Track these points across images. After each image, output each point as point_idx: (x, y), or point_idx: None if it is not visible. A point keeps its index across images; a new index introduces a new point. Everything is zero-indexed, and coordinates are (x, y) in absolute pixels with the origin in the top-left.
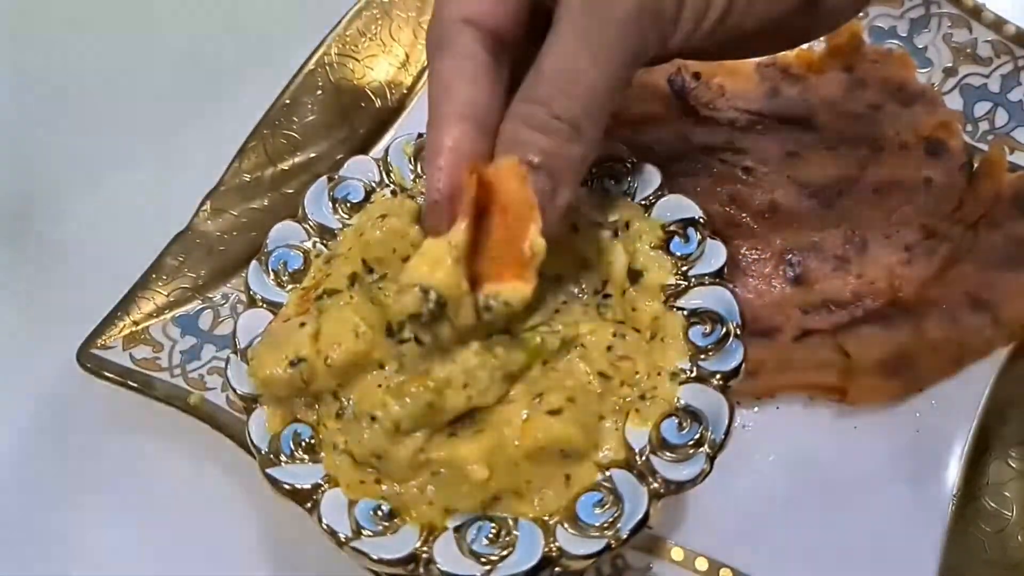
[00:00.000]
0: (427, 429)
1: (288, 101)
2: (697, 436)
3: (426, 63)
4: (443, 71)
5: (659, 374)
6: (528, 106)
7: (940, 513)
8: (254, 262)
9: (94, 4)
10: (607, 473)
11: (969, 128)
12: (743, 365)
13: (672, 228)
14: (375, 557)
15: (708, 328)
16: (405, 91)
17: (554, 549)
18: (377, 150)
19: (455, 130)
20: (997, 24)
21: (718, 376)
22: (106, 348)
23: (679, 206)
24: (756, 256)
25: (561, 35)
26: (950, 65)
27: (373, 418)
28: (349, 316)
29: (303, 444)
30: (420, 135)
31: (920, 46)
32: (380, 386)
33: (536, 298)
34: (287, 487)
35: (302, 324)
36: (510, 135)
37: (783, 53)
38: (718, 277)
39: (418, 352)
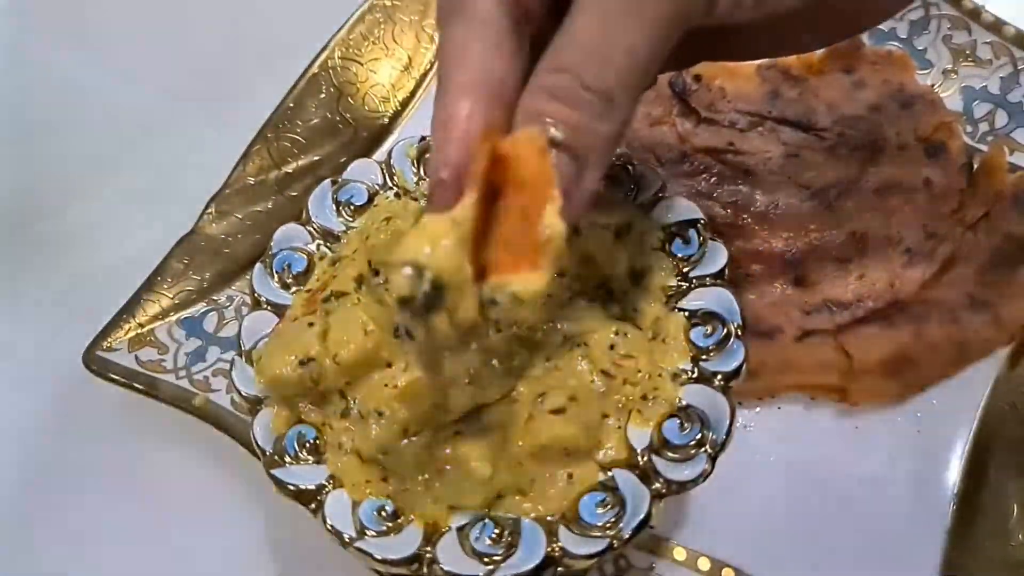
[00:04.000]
0: (433, 427)
1: (292, 104)
2: (699, 436)
3: (426, 72)
4: (457, 37)
5: (660, 375)
6: (553, 75)
7: (941, 513)
8: (258, 264)
9: (99, 6)
10: (609, 473)
11: (969, 129)
12: (744, 365)
13: (673, 230)
14: (379, 557)
15: (709, 329)
16: (408, 94)
17: (556, 549)
18: (380, 153)
19: (469, 100)
20: (996, 26)
21: (719, 377)
22: (112, 350)
23: (680, 208)
24: (757, 257)
25: None
26: (950, 67)
27: (380, 414)
28: (358, 315)
29: (307, 445)
30: (423, 138)
31: (920, 48)
32: (387, 385)
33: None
34: (292, 488)
35: (310, 324)
36: (531, 108)
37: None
38: (719, 278)
39: (410, 348)
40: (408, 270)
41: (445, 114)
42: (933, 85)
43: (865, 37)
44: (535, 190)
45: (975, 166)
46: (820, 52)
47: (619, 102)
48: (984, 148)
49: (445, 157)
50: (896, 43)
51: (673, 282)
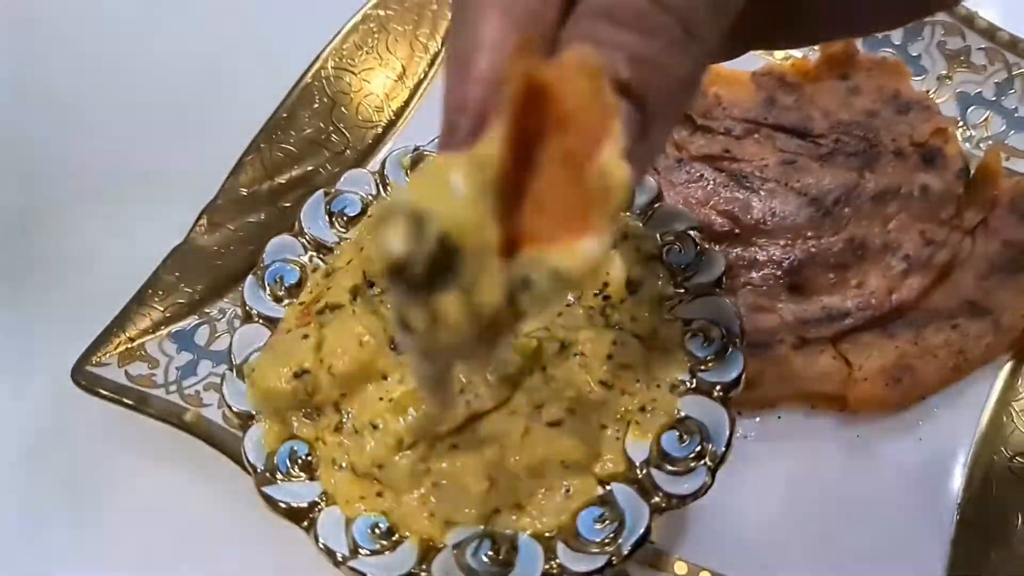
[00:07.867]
0: (429, 440)
1: (285, 115)
2: (698, 448)
3: (420, 82)
4: None
5: (658, 386)
6: None
7: (944, 522)
8: (250, 277)
9: (94, 19)
10: (608, 487)
11: (965, 135)
12: (743, 375)
13: (670, 238)
14: None
15: (707, 339)
16: (402, 104)
17: (554, 566)
18: (374, 163)
19: (496, 24)
20: (990, 31)
21: (718, 387)
22: (101, 365)
23: (677, 216)
24: (754, 265)
25: None
26: (944, 72)
27: (375, 426)
28: (353, 326)
29: (300, 461)
30: (416, 148)
31: (914, 54)
32: (381, 399)
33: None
34: (284, 506)
35: (304, 336)
36: (582, 37)
37: (779, 63)
38: (717, 287)
39: (410, 347)
40: (401, 220)
41: (462, 45)
42: (928, 91)
43: (859, 43)
44: (586, 126)
45: (972, 172)
46: (816, 59)
47: (703, 30)
48: (980, 154)
49: (461, 96)
50: (890, 49)
51: (670, 291)
